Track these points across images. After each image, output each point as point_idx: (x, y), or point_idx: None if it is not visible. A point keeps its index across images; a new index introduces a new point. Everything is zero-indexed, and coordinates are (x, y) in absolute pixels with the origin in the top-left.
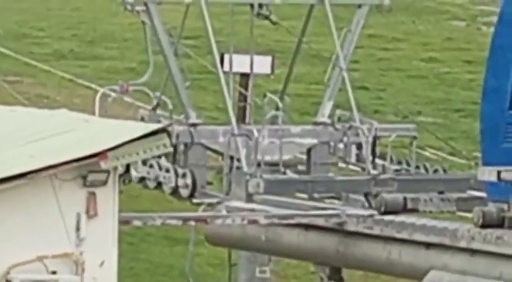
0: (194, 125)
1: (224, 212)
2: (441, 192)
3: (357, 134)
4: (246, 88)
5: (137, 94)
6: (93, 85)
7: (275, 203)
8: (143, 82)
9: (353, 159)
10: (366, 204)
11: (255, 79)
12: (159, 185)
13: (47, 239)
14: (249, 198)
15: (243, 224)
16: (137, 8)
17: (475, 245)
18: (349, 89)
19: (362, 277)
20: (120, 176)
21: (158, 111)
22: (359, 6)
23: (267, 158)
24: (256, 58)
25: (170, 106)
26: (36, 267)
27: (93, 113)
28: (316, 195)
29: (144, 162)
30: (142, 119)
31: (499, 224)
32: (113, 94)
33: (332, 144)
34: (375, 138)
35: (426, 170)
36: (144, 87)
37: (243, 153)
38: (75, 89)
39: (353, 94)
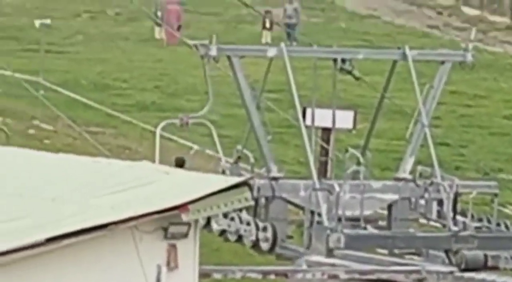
0: (275, 179)
1: (304, 266)
2: None
3: (438, 191)
4: (327, 143)
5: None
6: (174, 137)
7: (355, 258)
8: (203, 115)
9: (434, 215)
10: (447, 261)
11: (337, 133)
12: (239, 238)
13: None
14: (330, 252)
15: (323, 279)
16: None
17: None
18: (431, 145)
19: None
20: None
21: (240, 165)
22: (442, 62)
23: (348, 213)
24: (338, 112)
25: (252, 160)
26: None
27: (174, 164)
28: (396, 251)
29: (225, 215)
30: (224, 172)
31: None
32: (176, 121)
33: (413, 199)
34: (456, 195)
35: (507, 227)
36: (204, 120)
37: (324, 207)
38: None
39: (434, 150)
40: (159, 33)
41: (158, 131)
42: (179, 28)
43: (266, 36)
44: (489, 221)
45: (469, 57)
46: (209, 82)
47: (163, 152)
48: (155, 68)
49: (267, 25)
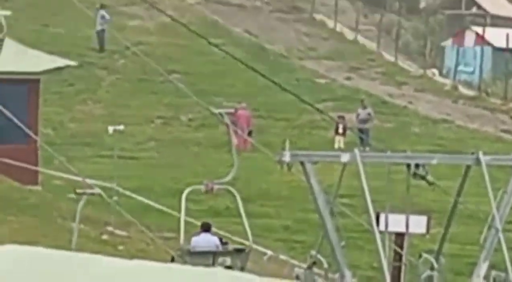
0: None
1: None
2: None
3: None
4: (401, 248)
5: (291, 253)
6: (247, 243)
7: None
8: (227, 181)
9: None
10: None
11: (410, 238)
12: None
13: None
14: None
15: None
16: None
17: None
18: (505, 250)
19: None
20: None
21: (314, 270)
22: None
23: None
24: (412, 217)
25: (326, 265)
26: None
27: (248, 270)
28: None
29: None
30: (297, 277)
31: None
32: (201, 187)
33: None
34: None
35: None
36: (229, 187)
37: None
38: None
39: (508, 255)
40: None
41: (183, 198)
42: (250, 133)
43: (339, 142)
44: None
45: None
46: (234, 147)
47: None
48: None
49: (340, 130)
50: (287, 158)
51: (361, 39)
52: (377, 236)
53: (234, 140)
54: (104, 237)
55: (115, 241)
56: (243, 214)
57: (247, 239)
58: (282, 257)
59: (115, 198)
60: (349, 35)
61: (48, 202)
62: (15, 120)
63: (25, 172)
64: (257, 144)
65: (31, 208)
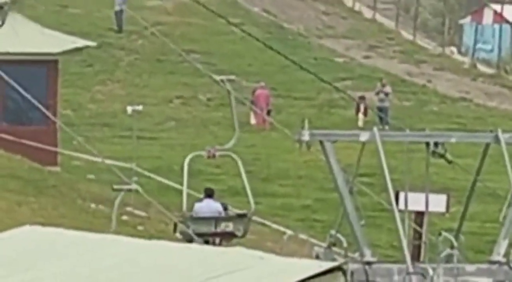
0: (369, 263)
1: None
2: None
3: None
4: (421, 226)
5: (311, 232)
6: (267, 223)
7: None
8: (229, 148)
9: None
10: None
11: (430, 217)
12: None
13: None
14: None
15: None
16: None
17: None
18: None
19: None
20: None
21: (333, 249)
22: None
23: None
24: (431, 196)
25: (345, 244)
26: None
27: (268, 250)
28: None
29: None
30: (317, 257)
31: None
32: (203, 153)
33: None
34: None
35: None
36: (230, 153)
37: None
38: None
39: None
40: (253, 118)
41: (186, 163)
42: (269, 112)
43: (362, 121)
44: None
45: None
46: (235, 114)
47: (258, 237)
48: (247, 153)
49: (361, 110)
50: (306, 137)
51: (379, 17)
52: (397, 214)
53: (252, 119)
54: (124, 217)
55: (134, 221)
56: (245, 180)
57: (266, 219)
58: (301, 236)
59: (134, 178)
60: (368, 13)
61: (67, 183)
62: (35, 102)
63: (45, 153)
64: (276, 123)
65: (51, 189)
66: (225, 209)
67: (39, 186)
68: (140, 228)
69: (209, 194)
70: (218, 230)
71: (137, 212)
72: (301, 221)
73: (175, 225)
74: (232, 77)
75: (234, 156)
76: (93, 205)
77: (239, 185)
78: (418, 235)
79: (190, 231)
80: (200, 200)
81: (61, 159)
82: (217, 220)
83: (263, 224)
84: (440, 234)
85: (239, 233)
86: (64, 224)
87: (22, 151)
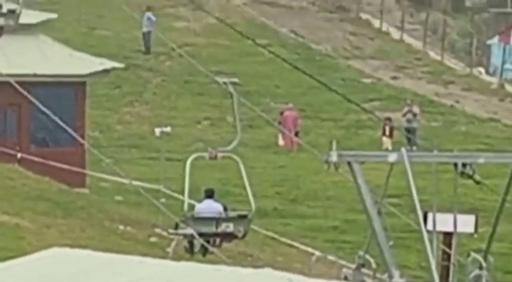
0: None
1: None
2: None
3: None
4: (449, 247)
5: (340, 253)
6: (296, 244)
7: None
8: (231, 150)
9: None
10: None
11: (458, 238)
12: None
13: None
14: None
15: None
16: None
17: None
18: None
19: None
20: None
21: (362, 270)
22: None
23: None
24: (460, 217)
25: (374, 265)
26: None
27: (296, 271)
28: None
29: None
30: (346, 278)
31: None
32: (205, 154)
33: None
34: None
35: None
36: (232, 154)
37: None
38: (278, 247)
39: None
40: (281, 139)
41: (188, 164)
42: (297, 134)
43: (387, 143)
44: None
45: None
46: (237, 115)
47: (286, 258)
48: (275, 174)
49: (387, 132)
50: (334, 158)
51: (407, 38)
52: (425, 235)
53: (281, 141)
54: (152, 239)
55: (163, 243)
56: (246, 181)
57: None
58: (330, 257)
59: (162, 200)
60: (395, 34)
61: (95, 205)
62: (62, 123)
63: (73, 174)
64: (304, 144)
65: (79, 210)
66: (225, 209)
67: (67, 208)
68: (168, 249)
69: (209, 194)
70: (219, 230)
71: (165, 233)
72: (330, 242)
73: (176, 225)
74: (236, 80)
75: (235, 157)
76: (121, 227)
77: (268, 207)
78: (446, 256)
79: (187, 231)
80: (200, 200)
81: (89, 180)
82: (218, 220)
83: (291, 245)
84: (468, 255)
85: (239, 234)
86: (92, 246)
87: (50, 173)
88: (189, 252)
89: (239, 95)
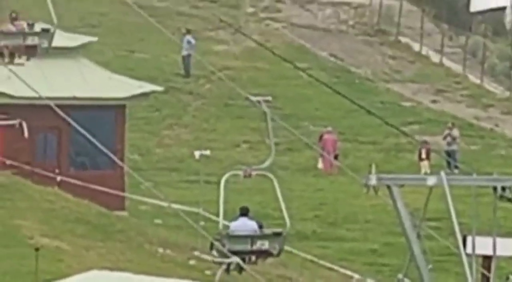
0: None
1: None
2: None
3: None
4: (488, 270)
5: (379, 276)
6: (335, 267)
7: None
8: (266, 168)
9: None
10: None
11: (498, 261)
12: None
13: None
14: None
15: None
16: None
17: None
18: None
19: None
20: None
21: None
22: None
23: None
24: (499, 240)
25: None
26: None
27: None
28: None
29: None
30: None
31: None
32: (240, 172)
33: None
34: None
35: None
36: (267, 172)
37: None
38: (317, 270)
39: None
40: (321, 163)
41: (222, 182)
42: (336, 157)
43: (425, 167)
44: None
45: None
46: (271, 133)
47: (326, 281)
48: (314, 197)
49: (423, 155)
50: (373, 181)
51: (446, 61)
52: (464, 258)
53: (320, 164)
54: (191, 262)
55: (202, 266)
56: (281, 199)
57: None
58: (369, 280)
59: (201, 223)
60: (435, 57)
61: (134, 228)
62: (102, 147)
63: (112, 197)
64: (343, 168)
65: (118, 233)
66: (260, 227)
67: (106, 231)
68: (207, 272)
69: (244, 212)
70: (254, 248)
71: (204, 256)
72: (369, 265)
73: (212, 244)
74: (269, 98)
75: (270, 175)
76: (160, 250)
77: (307, 230)
78: (486, 279)
79: (225, 250)
80: (235, 218)
81: (128, 203)
82: (253, 238)
83: (331, 269)
84: (507, 278)
85: (274, 251)
86: (131, 269)
87: (89, 196)
88: (226, 271)
89: (279, 118)
